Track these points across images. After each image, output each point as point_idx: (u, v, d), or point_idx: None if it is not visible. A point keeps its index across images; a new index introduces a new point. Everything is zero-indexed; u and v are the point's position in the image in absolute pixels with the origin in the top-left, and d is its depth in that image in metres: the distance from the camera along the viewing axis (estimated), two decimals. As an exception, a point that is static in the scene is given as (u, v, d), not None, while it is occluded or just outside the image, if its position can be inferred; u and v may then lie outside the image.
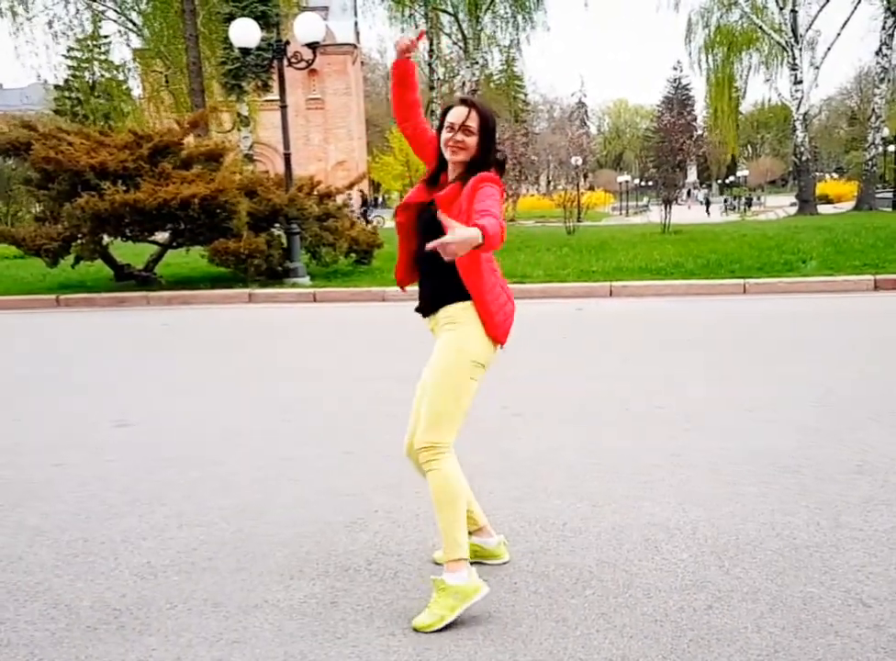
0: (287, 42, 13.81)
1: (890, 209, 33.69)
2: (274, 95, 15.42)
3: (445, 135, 3.02)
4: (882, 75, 32.76)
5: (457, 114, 3.01)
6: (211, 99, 25.41)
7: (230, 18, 18.04)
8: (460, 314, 3.01)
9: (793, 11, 32.43)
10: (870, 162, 33.67)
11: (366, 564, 3.45)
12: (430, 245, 2.54)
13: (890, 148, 38.15)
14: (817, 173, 36.21)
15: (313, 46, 13.11)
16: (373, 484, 4.41)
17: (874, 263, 11.69)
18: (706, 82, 42.16)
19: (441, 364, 3.03)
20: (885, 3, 31.79)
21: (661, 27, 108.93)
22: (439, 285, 3.05)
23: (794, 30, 32.20)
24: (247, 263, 13.08)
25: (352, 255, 14.54)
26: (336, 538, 3.72)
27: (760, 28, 34.55)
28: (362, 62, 64.60)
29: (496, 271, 3.08)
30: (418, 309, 3.18)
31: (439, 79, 29.81)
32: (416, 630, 2.91)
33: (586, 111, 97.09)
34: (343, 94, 57.46)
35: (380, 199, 77.61)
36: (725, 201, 53.59)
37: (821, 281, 10.89)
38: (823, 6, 33.33)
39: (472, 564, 3.11)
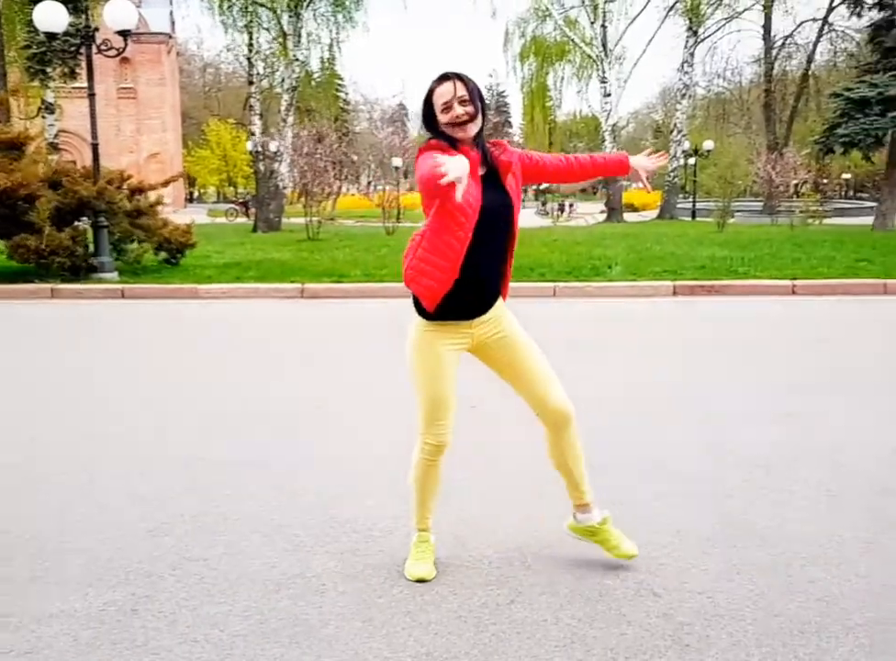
0: (97, 29, 13.18)
1: (689, 219, 35.84)
2: (83, 83, 14.66)
3: (447, 117, 2.96)
4: (684, 91, 34.78)
5: (447, 91, 2.96)
6: (13, 84, 23.84)
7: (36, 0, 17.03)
8: (502, 304, 3.21)
9: (603, 26, 33.88)
10: (672, 174, 35.67)
11: (170, 569, 3.36)
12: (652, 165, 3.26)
13: (691, 160, 40.53)
14: (624, 183, 37.92)
15: (124, 34, 12.60)
16: (177, 488, 4.30)
17: (673, 270, 12.42)
18: (521, 90, 43.52)
19: (530, 339, 3.25)
20: (687, 23, 33.74)
21: (481, 33, 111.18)
22: (497, 282, 3.15)
23: (604, 45, 33.64)
24: (49, 260, 12.40)
25: (162, 253, 14.03)
26: (139, 544, 3.60)
27: (572, 40, 35.92)
28: (178, 53, 62.50)
29: None
30: (459, 313, 3.10)
31: (258, 74, 29.23)
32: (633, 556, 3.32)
33: (406, 113, 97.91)
34: (157, 84, 55.44)
35: (195, 194, 75.44)
36: (544, 204, 55.34)
37: (625, 286, 11.47)
38: (630, 23, 35.02)
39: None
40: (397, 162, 31.42)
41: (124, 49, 12.92)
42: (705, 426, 5.33)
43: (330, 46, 29.37)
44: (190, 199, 70.06)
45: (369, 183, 52.93)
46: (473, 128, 2.98)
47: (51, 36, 13.21)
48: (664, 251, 14.80)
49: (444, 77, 3.00)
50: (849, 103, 21.92)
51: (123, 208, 13.11)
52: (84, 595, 3.15)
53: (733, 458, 4.68)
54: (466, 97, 2.95)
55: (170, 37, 55.99)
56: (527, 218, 36.52)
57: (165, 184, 14.87)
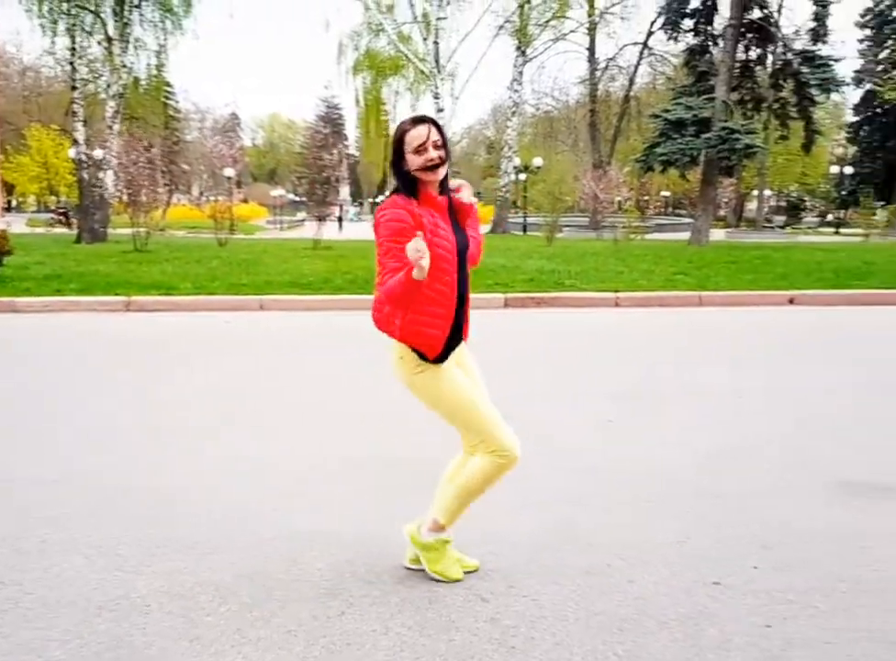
0: None
1: (520, 233, 36.84)
2: None
3: (419, 159, 3.03)
4: (514, 109, 35.81)
5: (422, 134, 3.03)
6: None
7: None
8: None
9: (435, 42, 34.44)
10: (504, 189, 36.62)
11: None
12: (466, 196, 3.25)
13: (521, 176, 41.69)
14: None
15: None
16: None
17: (504, 282, 12.75)
18: (356, 103, 43.60)
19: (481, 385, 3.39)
20: (516, 42, 34.77)
21: (316, 45, 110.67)
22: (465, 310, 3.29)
23: (437, 60, 34.21)
24: None
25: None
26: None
27: (406, 55, 36.31)
28: (-6, 54, 59.13)
29: None
30: (451, 342, 3.22)
31: (82, 79, 28.01)
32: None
33: (239, 123, 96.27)
34: (-29, 85, 52.22)
35: (13, 203, 71.52)
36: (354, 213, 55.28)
37: (458, 298, 11.66)
38: (462, 40, 35.80)
39: None
40: (229, 172, 30.84)
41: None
42: (532, 433, 5.50)
43: (158, 53, 28.44)
44: (8, 208, 66.27)
45: (201, 193, 51.71)
46: (443, 172, 3.10)
47: None
48: (495, 264, 15.15)
49: (420, 120, 3.09)
50: (667, 123, 23.18)
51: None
52: None
53: (558, 465, 4.84)
54: (440, 142, 3.06)
55: (-16, 36, 52.87)
56: (354, 230, 36.64)
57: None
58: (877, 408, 6.26)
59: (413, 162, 3.06)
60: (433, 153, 3.04)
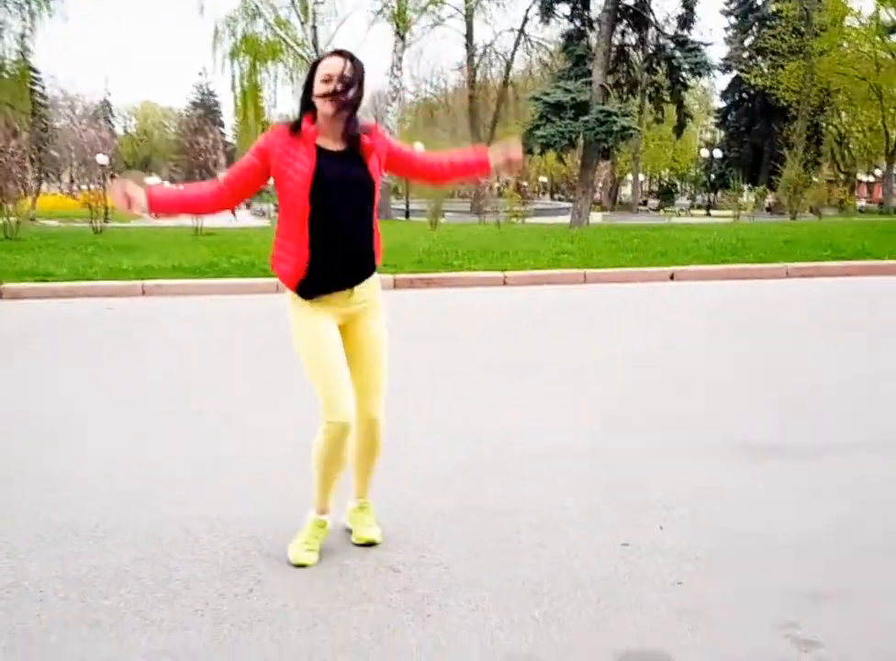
0: None
1: (404, 218, 36.83)
2: None
3: (323, 87, 2.93)
4: (394, 95, 35.65)
5: (335, 65, 2.94)
6: None
7: None
8: (376, 286, 3.26)
9: (314, 27, 34.00)
10: (385, 175, 36.41)
11: None
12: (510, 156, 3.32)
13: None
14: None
15: None
16: None
17: (392, 264, 12.66)
18: (232, 89, 42.58)
19: (383, 341, 3.28)
20: (395, 27, 34.60)
21: (190, 31, 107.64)
22: (363, 253, 3.14)
23: (315, 45, 33.75)
24: None
25: None
26: None
27: (284, 40, 35.67)
28: None
29: None
30: (323, 286, 3.09)
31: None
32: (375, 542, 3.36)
33: (110, 109, 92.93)
34: None
35: None
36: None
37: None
38: (340, 25, 35.42)
39: None
40: (102, 159, 29.69)
41: None
42: (428, 409, 5.50)
43: (23, 35, 27.16)
44: None
45: (72, 181, 49.69)
46: (341, 109, 2.99)
47: None
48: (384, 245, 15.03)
49: (338, 53, 3.02)
50: (547, 106, 23.50)
51: None
52: None
53: (455, 439, 4.83)
54: (350, 79, 2.97)
55: None
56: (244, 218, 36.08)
57: None
58: (758, 372, 6.49)
59: (317, 89, 3.01)
60: (337, 85, 2.97)
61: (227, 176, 3.16)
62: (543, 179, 67.55)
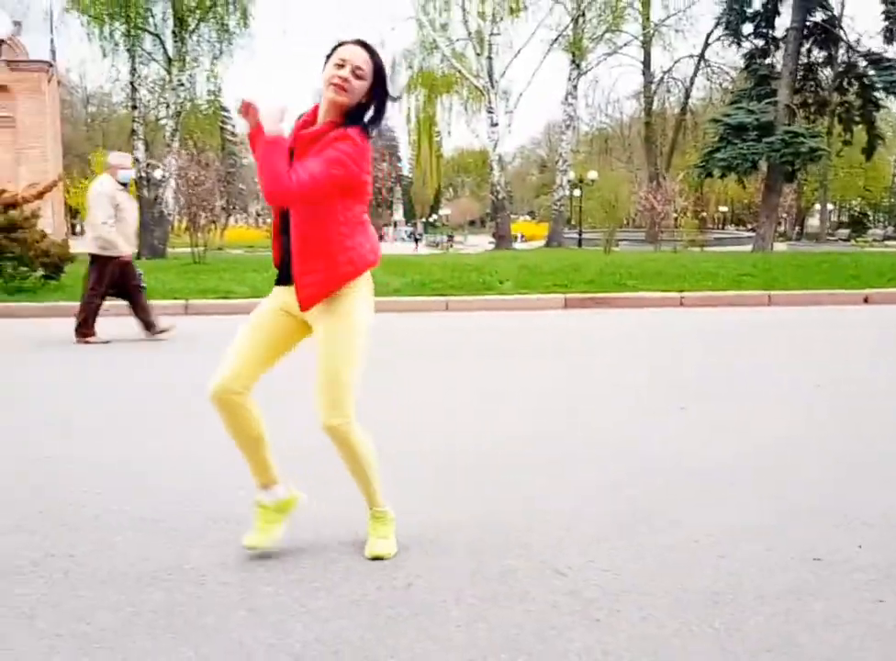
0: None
1: (576, 247, 36.50)
2: None
3: (332, 71, 2.77)
4: (568, 123, 35.55)
5: (351, 52, 2.79)
6: None
7: None
8: (350, 290, 2.95)
9: (489, 58, 34.45)
10: (559, 203, 36.32)
11: (32, 565, 3.05)
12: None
13: (576, 192, 41.38)
14: (512, 215, 38.58)
15: (-6, 42, 12.01)
16: (38, 487, 3.97)
17: (563, 284, 12.47)
18: (407, 121, 43.74)
19: (328, 342, 2.92)
20: (570, 56, 34.59)
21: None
22: (292, 259, 2.91)
23: (490, 76, 34.17)
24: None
25: (41, 271, 13.30)
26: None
27: (459, 72, 36.30)
28: (59, 82, 60.62)
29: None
30: (281, 278, 3.00)
31: (141, 99, 28.53)
32: (382, 558, 3.07)
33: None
34: (37, 113, 53.25)
35: (77, 227, 73.13)
36: (416, 236, 55.45)
37: (516, 299, 11.44)
38: (515, 55, 35.70)
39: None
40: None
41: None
42: (599, 420, 5.25)
43: (213, 71, 28.79)
44: (73, 231, 67.81)
45: (258, 214, 52.25)
46: (343, 98, 2.79)
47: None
48: (552, 267, 14.89)
49: (359, 43, 2.84)
50: (727, 128, 22.73)
51: (-4, 223, 12.40)
52: None
53: (626, 450, 4.61)
54: (363, 72, 2.80)
55: (50, 65, 54.17)
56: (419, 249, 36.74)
57: (40, 195, 14.11)
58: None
59: (325, 72, 2.81)
60: (345, 72, 2.77)
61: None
62: (723, 208, 65.54)
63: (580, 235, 39.15)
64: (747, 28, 25.42)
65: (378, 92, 2.86)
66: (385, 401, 5.49)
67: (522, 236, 58.59)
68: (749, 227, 46.32)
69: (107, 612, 2.68)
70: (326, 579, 2.93)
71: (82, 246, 9.82)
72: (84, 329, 8.63)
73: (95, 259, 8.72)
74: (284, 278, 2.97)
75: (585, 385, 6.45)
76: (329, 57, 2.83)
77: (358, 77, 2.78)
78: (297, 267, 2.88)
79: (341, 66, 2.77)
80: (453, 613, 2.67)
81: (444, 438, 4.87)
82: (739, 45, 26.99)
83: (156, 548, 3.20)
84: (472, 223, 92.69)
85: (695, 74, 43.37)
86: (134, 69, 27.52)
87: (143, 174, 28.63)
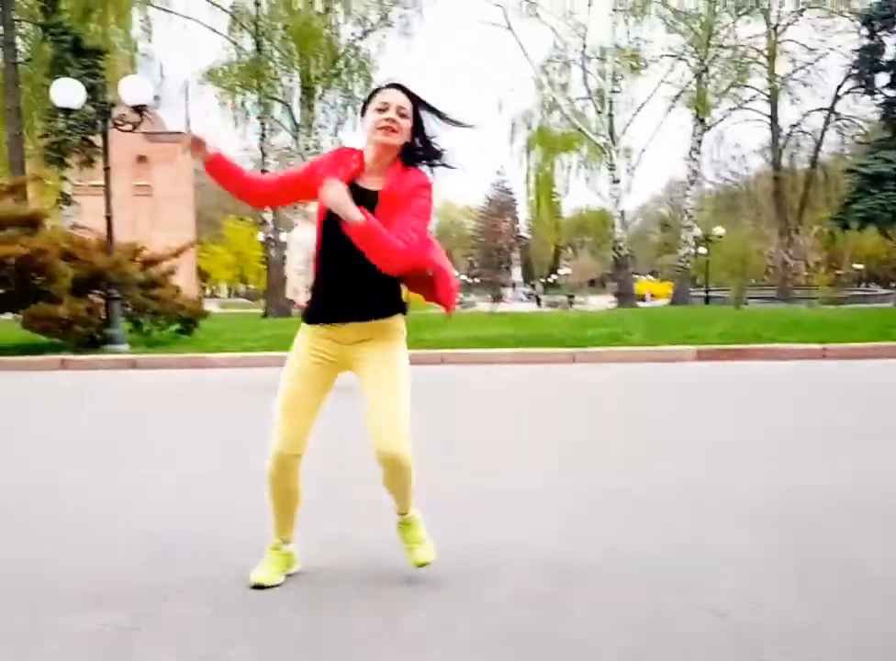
0: (113, 104, 13.27)
1: (703, 304, 35.61)
2: (99, 181, 14.56)
3: (377, 116, 2.83)
4: (693, 178, 35.06)
5: (391, 95, 2.85)
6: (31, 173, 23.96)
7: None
8: (397, 325, 3.00)
9: (610, 115, 34.44)
10: (684, 259, 35.63)
11: (176, 593, 3.03)
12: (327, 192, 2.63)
13: (701, 250, 40.59)
14: (634, 275, 38.15)
15: (140, 109, 12.61)
16: (184, 519, 3.99)
17: (694, 336, 12.08)
18: (526, 181, 43.92)
19: (395, 372, 2.95)
20: (694, 112, 34.25)
21: (486, 127, 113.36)
22: (356, 296, 2.91)
23: (611, 133, 34.12)
24: (69, 330, 12.20)
25: (175, 325, 13.80)
26: (142, 572, 3.27)
27: (580, 130, 36.32)
28: (193, 152, 63.77)
29: None
30: (320, 316, 2.97)
31: (269, 165, 29.64)
32: (427, 564, 3.06)
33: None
34: (173, 182, 56.36)
35: (207, 291, 76.15)
36: (538, 296, 55.26)
37: (647, 351, 11.10)
38: (636, 113, 35.56)
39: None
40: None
41: (139, 123, 12.88)
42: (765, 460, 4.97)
43: (337, 135, 29.70)
44: (204, 295, 70.69)
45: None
46: (394, 139, 2.84)
47: (68, 111, 13.27)
48: (682, 320, 14.49)
49: (396, 86, 2.90)
50: (864, 178, 21.93)
51: (136, 280, 12.95)
52: (78, 616, 2.83)
53: (789, 486, 4.39)
54: (407, 111, 2.86)
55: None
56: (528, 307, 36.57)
57: (177, 254, 14.74)
58: None
59: (369, 118, 2.85)
60: (392, 114, 2.81)
61: (280, 175, 3.11)
62: (859, 266, 63.07)
63: (707, 293, 38.26)
64: (881, 78, 24.60)
65: (421, 129, 2.92)
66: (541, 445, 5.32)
67: (651, 295, 57.67)
68: (891, 285, 44.15)
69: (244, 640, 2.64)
70: (473, 613, 2.81)
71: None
72: None
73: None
74: (328, 315, 2.95)
75: (742, 430, 6.20)
76: (365, 105, 2.91)
77: (403, 116, 2.85)
78: (360, 298, 2.91)
79: (384, 110, 2.83)
80: (603, 653, 2.51)
81: (602, 477, 4.73)
82: (873, 96, 26.17)
83: (298, 578, 3.12)
84: (591, 283, 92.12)
85: (825, 128, 42.10)
86: (264, 135, 28.61)
87: (271, 236, 29.58)
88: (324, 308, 2.95)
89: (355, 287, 2.90)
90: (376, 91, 2.90)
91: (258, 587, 3.02)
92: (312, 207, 8.95)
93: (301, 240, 8.43)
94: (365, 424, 2.92)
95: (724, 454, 5.27)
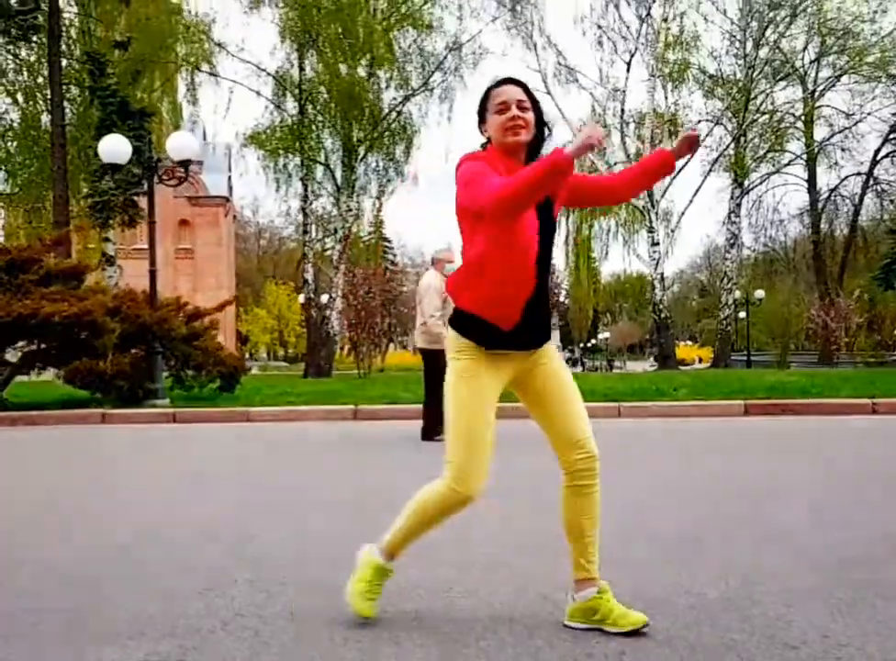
0: (159, 160, 13.55)
1: (745, 368, 35.17)
2: (141, 245, 14.86)
3: (500, 118, 2.70)
4: (732, 241, 34.91)
5: (509, 92, 2.73)
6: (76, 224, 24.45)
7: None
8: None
9: (649, 180, 34.51)
10: (725, 322, 35.30)
11: (222, 625, 2.95)
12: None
13: (741, 314, 40.28)
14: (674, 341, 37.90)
15: (185, 164, 12.89)
16: (231, 558, 3.93)
17: (741, 390, 11.91)
18: (565, 243, 43.96)
19: (573, 384, 2.88)
20: (732, 175, 34.29)
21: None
22: (548, 312, 2.84)
23: (650, 196, 34.20)
24: (112, 385, 12.30)
25: (217, 381, 13.85)
26: (187, 602, 3.21)
27: (619, 194, 36.32)
28: (234, 217, 64.99)
29: None
30: (518, 342, 2.78)
31: (310, 224, 30.03)
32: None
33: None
34: (214, 245, 57.33)
35: (247, 354, 76.78)
36: (583, 360, 54.98)
37: (693, 405, 10.93)
38: (675, 175, 35.64)
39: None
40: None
41: (184, 178, 13.15)
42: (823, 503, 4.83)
43: (379, 196, 29.99)
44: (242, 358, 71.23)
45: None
46: (525, 136, 2.71)
47: (115, 169, 13.57)
48: (728, 377, 14.30)
49: (506, 80, 2.77)
50: (907, 239, 21.75)
51: (181, 333, 13.07)
52: (122, 646, 2.76)
53: (850, 527, 4.23)
54: (527, 104, 2.72)
55: (227, 200, 58.29)
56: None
57: (220, 308, 14.90)
58: None
59: (493, 122, 2.71)
60: (516, 111, 2.67)
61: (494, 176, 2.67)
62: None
63: (748, 356, 37.82)
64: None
65: (541, 119, 2.78)
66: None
67: (700, 359, 57.03)
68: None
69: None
70: (529, 645, 2.71)
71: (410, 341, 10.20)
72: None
73: (426, 355, 8.64)
74: (524, 341, 2.80)
75: (805, 477, 6.06)
76: (482, 112, 2.79)
77: (525, 109, 2.71)
78: (543, 309, 2.81)
79: (504, 109, 2.70)
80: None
81: (660, 515, 4.58)
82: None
83: (346, 612, 3.00)
84: (630, 349, 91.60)
85: (864, 192, 42.01)
86: (306, 197, 29.01)
87: (311, 296, 29.82)
88: (526, 332, 2.77)
89: (544, 306, 2.80)
90: (487, 93, 2.77)
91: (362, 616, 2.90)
92: (439, 253, 8.82)
93: (435, 286, 8.38)
94: (557, 435, 2.84)
95: (787, 499, 5.14)
